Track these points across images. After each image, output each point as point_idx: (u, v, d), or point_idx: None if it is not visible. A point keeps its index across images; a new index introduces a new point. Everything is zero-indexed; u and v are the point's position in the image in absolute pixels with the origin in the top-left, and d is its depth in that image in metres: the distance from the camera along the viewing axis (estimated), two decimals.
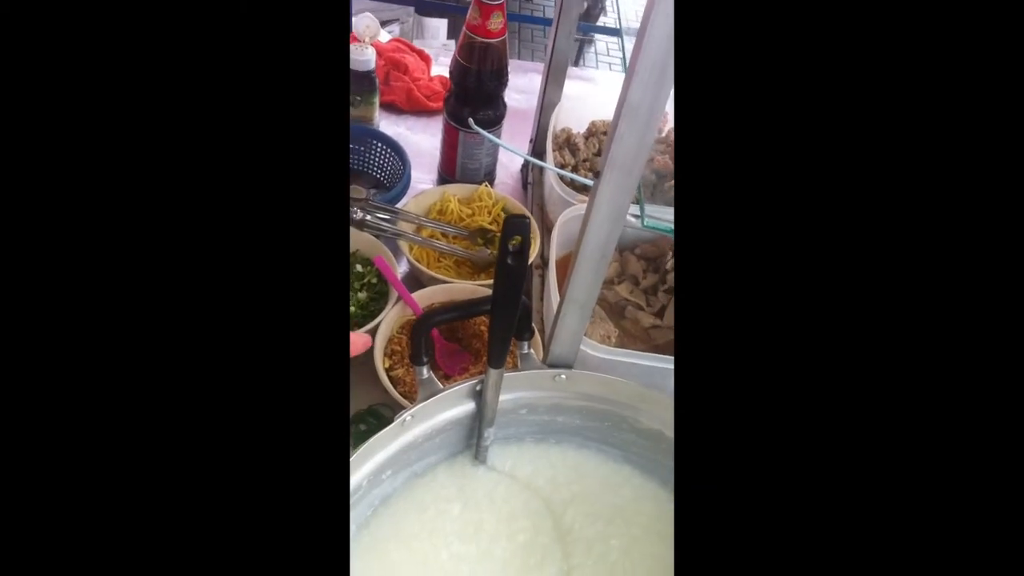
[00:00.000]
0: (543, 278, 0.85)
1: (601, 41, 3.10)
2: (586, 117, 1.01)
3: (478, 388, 0.54)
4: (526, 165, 1.04)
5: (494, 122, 0.90)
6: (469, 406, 0.55)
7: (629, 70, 0.39)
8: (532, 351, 0.57)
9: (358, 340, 0.58)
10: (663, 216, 0.56)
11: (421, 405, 0.52)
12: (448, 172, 0.96)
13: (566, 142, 0.98)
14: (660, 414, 0.56)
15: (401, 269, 0.85)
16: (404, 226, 0.85)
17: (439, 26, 2.41)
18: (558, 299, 0.53)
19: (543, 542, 0.54)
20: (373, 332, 0.72)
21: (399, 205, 0.88)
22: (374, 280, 0.79)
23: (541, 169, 0.97)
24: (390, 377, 0.70)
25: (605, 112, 1.01)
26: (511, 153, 0.99)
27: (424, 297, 0.77)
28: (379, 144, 0.96)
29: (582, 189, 0.88)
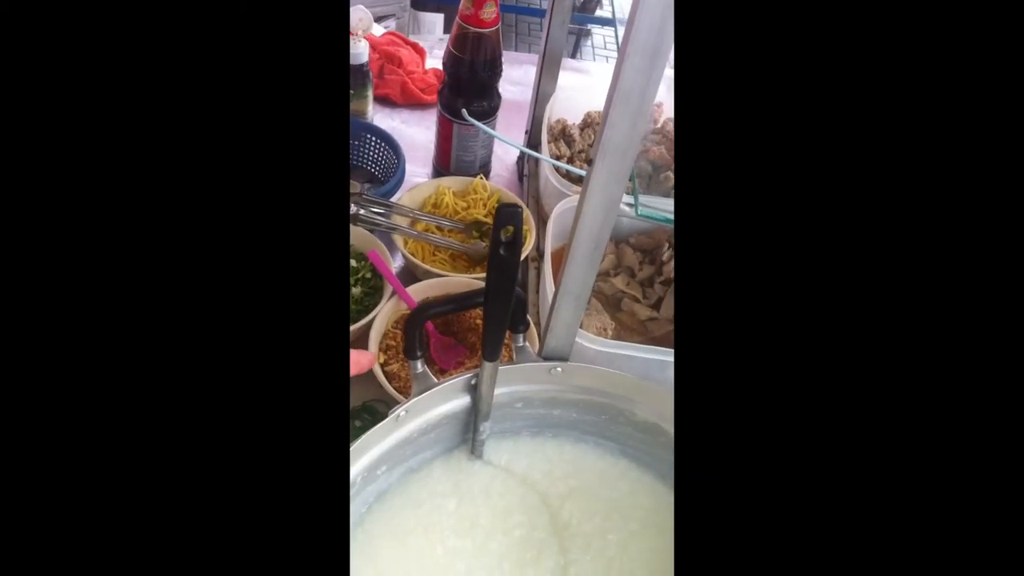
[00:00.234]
0: (539, 270, 0.84)
1: (598, 34, 3.09)
2: (581, 108, 1.00)
3: (473, 382, 0.53)
4: (522, 157, 1.03)
5: (488, 113, 0.89)
6: (464, 400, 0.54)
7: (620, 55, 0.38)
8: (527, 344, 0.56)
9: (363, 359, 0.57)
10: (657, 205, 0.56)
11: (416, 400, 0.51)
12: (443, 165, 0.96)
13: (561, 133, 0.97)
14: (657, 407, 0.55)
15: (396, 263, 0.84)
16: (399, 220, 0.84)
17: (435, 21, 2.40)
18: (553, 291, 0.52)
19: (540, 537, 0.54)
20: (367, 327, 0.72)
21: (393, 199, 0.87)
22: (368, 275, 0.79)
23: (537, 161, 0.96)
24: (385, 373, 0.69)
25: (600, 103, 1.00)
26: (506, 145, 0.98)
27: (419, 291, 0.76)
28: (373, 138, 0.95)
29: (578, 180, 0.87)
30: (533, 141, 1.00)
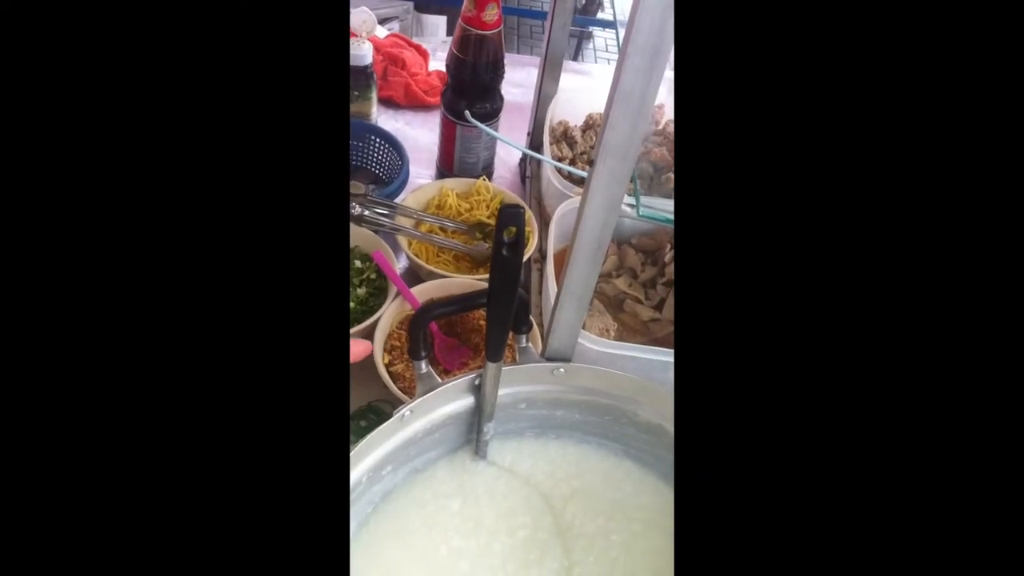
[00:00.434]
0: (541, 271, 0.84)
1: (600, 37, 3.09)
2: (583, 110, 1.00)
3: (477, 382, 0.53)
4: (524, 159, 1.04)
5: (491, 115, 0.90)
6: (468, 400, 0.55)
7: (620, 56, 0.38)
8: (530, 344, 0.57)
9: (358, 347, 0.57)
10: (659, 207, 0.56)
11: (420, 400, 0.52)
12: (446, 166, 0.96)
13: (563, 135, 0.97)
14: (660, 408, 0.55)
15: (400, 264, 0.84)
16: (403, 221, 0.84)
17: (438, 23, 2.41)
18: (556, 292, 0.52)
19: (543, 538, 0.54)
20: (372, 328, 0.72)
21: (397, 200, 0.87)
22: (373, 276, 0.79)
23: (539, 162, 0.97)
24: (390, 373, 0.70)
25: (602, 105, 1.00)
26: (509, 147, 0.98)
27: (423, 292, 0.77)
28: (377, 139, 0.95)
29: (580, 182, 0.87)
30: (535, 143, 1.01)
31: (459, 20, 0.83)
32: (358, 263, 0.79)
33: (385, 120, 1.10)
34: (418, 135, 1.10)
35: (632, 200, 0.58)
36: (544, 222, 0.91)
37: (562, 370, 0.56)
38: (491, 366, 0.51)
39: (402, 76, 1.13)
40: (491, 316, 0.49)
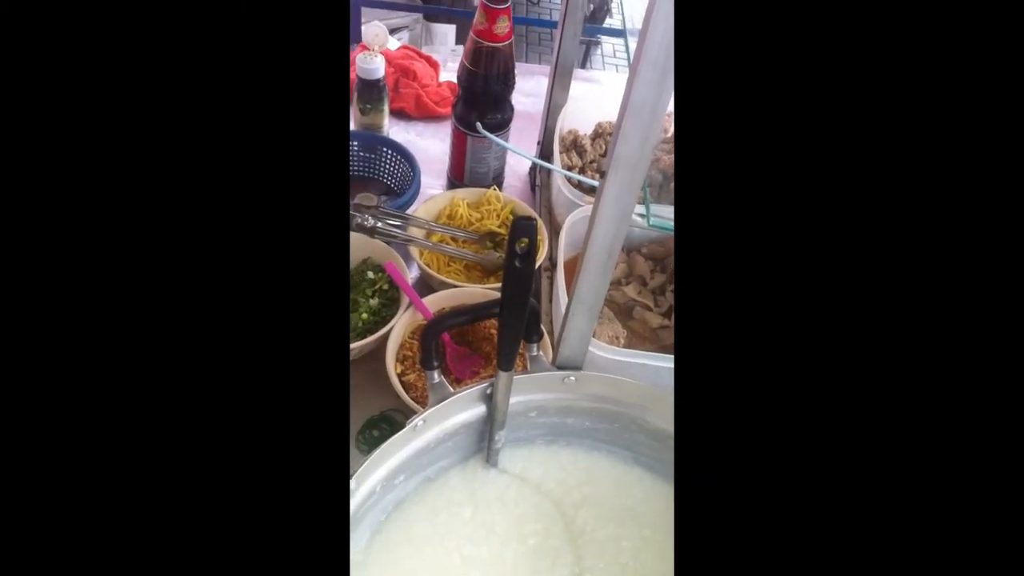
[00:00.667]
0: (552, 280, 0.85)
1: (608, 43, 3.10)
2: (592, 118, 1.01)
3: (488, 391, 0.54)
4: (534, 167, 1.04)
5: (502, 126, 0.91)
6: (480, 409, 0.55)
7: (632, 69, 0.39)
8: (541, 353, 0.57)
9: None
10: (669, 216, 0.56)
11: (432, 409, 0.52)
12: (457, 176, 0.97)
13: (573, 144, 0.98)
14: (669, 415, 0.56)
15: (412, 274, 0.85)
16: (414, 231, 0.85)
17: (447, 31, 2.43)
18: (566, 301, 0.53)
19: (554, 544, 0.54)
20: (385, 338, 0.73)
21: (409, 211, 0.88)
22: (385, 286, 0.80)
23: (549, 171, 0.97)
24: (402, 382, 0.70)
25: (611, 113, 1.01)
26: (519, 155, 0.99)
27: (435, 302, 0.77)
28: (389, 151, 0.96)
29: (589, 191, 0.88)
30: (545, 152, 1.01)
31: (470, 32, 0.84)
32: (371, 274, 0.80)
33: (396, 131, 1.11)
34: (429, 145, 1.11)
35: (642, 210, 0.59)
36: (554, 230, 0.91)
37: (573, 378, 0.56)
38: (503, 375, 0.52)
39: (413, 87, 1.14)
40: (503, 326, 0.49)
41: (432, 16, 2.42)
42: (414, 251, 0.83)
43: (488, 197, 0.92)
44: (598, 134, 0.99)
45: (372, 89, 0.95)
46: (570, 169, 0.93)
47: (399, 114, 1.15)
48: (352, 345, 0.71)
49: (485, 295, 0.78)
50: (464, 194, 0.92)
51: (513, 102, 0.92)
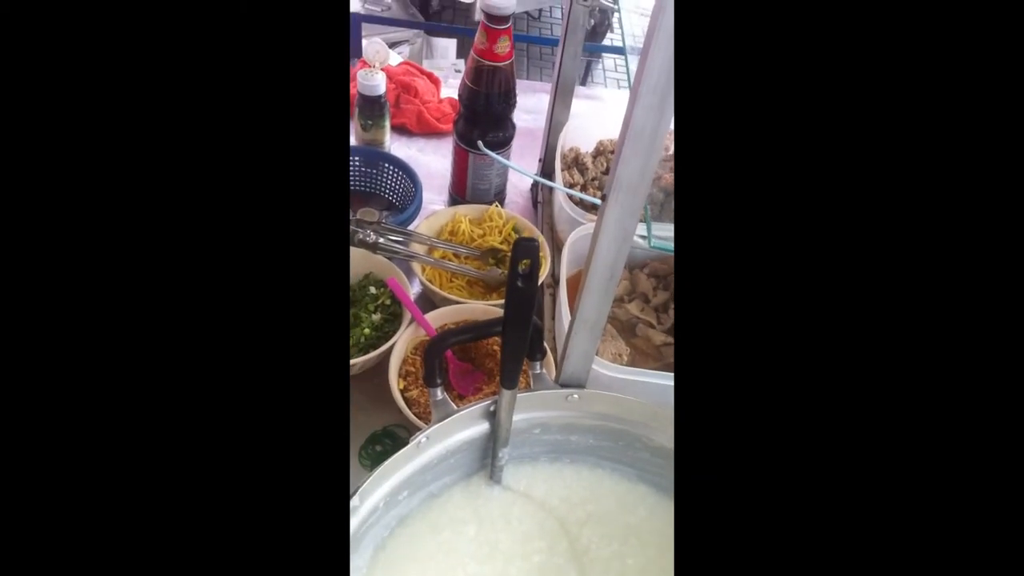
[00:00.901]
0: (554, 297, 0.85)
1: (608, 58, 3.13)
2: (594, 136, 1.02)
3: (492, 409, 0.54)
4: (535, 184, 1.05)
5: (503, 143, 0.91)
6: (483, 426, 0.55)
7: (632, 93, 0.40)
8: (544, 371, 0.57)
9: None
10: (670, 236, 0.57)
11: (436, 426, 0.53)
12: (459, 193, 0.97)
13: (574, 161, 0.99)
14: (673, 432, 0.56)
15: (414, 290, 0.86)
16: (416, 247, 0.86)
17: (448, 45, 2.45)
18: (569, 318, 0.53)
19: (558, 563, 0.55)
20: (387, 354, 0.73)
21: (411, 227, 0.89)
22: (388, 302, 0.80)
23: (550, 188, 0.98)
24: (405, 398, 0.71)
25: (612, 131, 1.02)
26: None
27: (437, 318, 0.78)
28: (391, 167, 0.97)
29: (591, 208, 0.89)
30: (547, 169, 1.02)
31: (471, 51, 0.85)
32: (373, 289, 0.81)
33: (398, 147, 1.12)
34: (430, 161, 1.11)
35: (644, 230, 0.59)
36: (556, 247, 0.92)
37: (576, 396, 0.56)
38: (506, 393, 0.52)
39: (414, 104, 1.15)
40: (506, 345, 0.50)
41: (433, 31, 2.44)
42: (416, 267, 0.84)
43: (490, 213, 0.92)
44: (599, 152, 1.00)
45: (373, 105, 0.96)
46: (571, 186, 0.94)
47: (400, 130, 1.16)
48: (354, 360, 0.71)
49: (487, 311, 0.79)
50: (466, 210, 0.93)
51: (514, 119, 0.93)
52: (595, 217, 0.86)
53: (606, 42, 2.92)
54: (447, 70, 1.54)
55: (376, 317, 0.78)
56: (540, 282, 0.84)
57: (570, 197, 0.87)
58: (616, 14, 0.79)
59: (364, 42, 1.26)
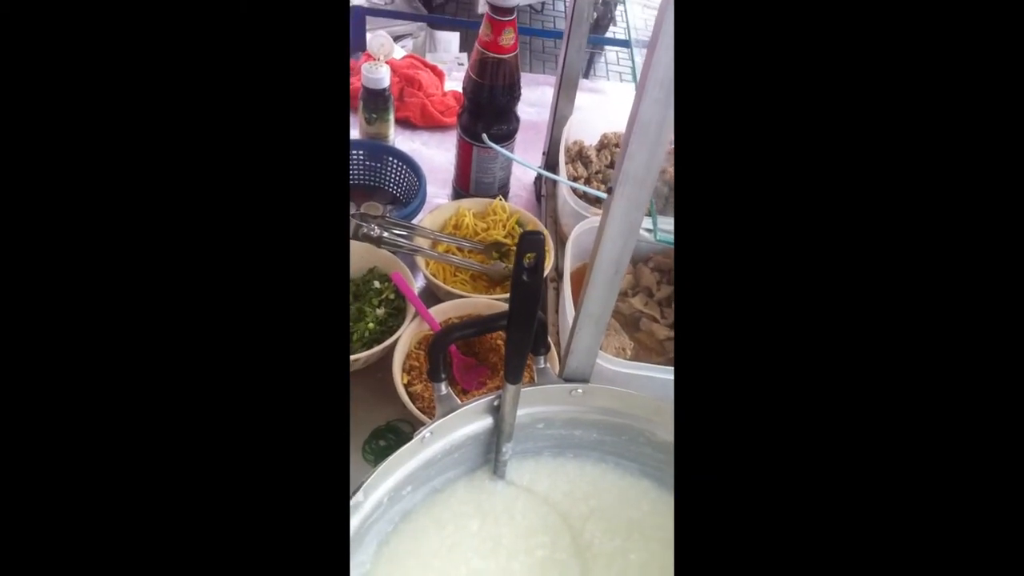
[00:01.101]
0: (558, 291, 0.85)
1: (611, 51, 3.11)
2: (598, 129, 1.01)
3: (495, 403, 0.54)
4: (539, 178, 1.05)
5: (507, 136, 0.91)
6: (487, 421, 0.55)
7: (639, 88, 0.39)
8: (548, 365, 0.57)
9: None
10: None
11: (440, 421, 0.52)
12: (462, 186, 0.97)
13: (578, 154, 0.98)
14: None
15: (418, 284, 0.85)
16: (420, 241, 0.85)
17: (451, 39, 2.44)
18: (573, 313, 0.53)
19: (561, 558, 0.55)
20: (392, 348, 0.73)
21: (415, 221, 0.89)
22: (392, 296, 0.80)
23: (554, 182, 0.98)
24: (409, 393, 0.71)
25: (616, 124, 1.01)
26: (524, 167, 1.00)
27: (441, 312, 0.78)
28: (395, 160, 0.97)
29: (595, 202, 0.88)
30: (551, 162, 1.02)
31: (476, 44, 0.85)
32: (377, 283, 0.80)
33: (402, 141, 1.11)
34: (434, 155, 1.11)
35: (649, 223, 0.59)
36: (560, 241, 0.92)
37: (580, 391, 0.56)
38: (510, 388, 0.52)
39: (418, 97, 1.14)
40: (510, 340, 0.49)
41: (436, 24, 2.43)
42: (420, 261, 0.83)
43: (494, 207, 0.92)
44: (603, 145, 1.00)
45: (377, 99, 0.96)
46: (575, 180, 0.94)
47: (404, 123, 1.15)
48: (358, 355, 0.71)
49: (491, 305, 0.78)
50: (470, 204, 0.93)
51: (518, 112, 0.92)
52: (599, 211, 0.85)
53: (608, 34, 2.90)
54: (450, 63, 1.53)
55: (380, 312, 0.78)
56: (544, 275, 0.84)
57: (574, 190, 0.87)
58: (620, 6, 0.78)
59: (368, 35, 1.25)
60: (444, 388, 0.54)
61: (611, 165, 0.98)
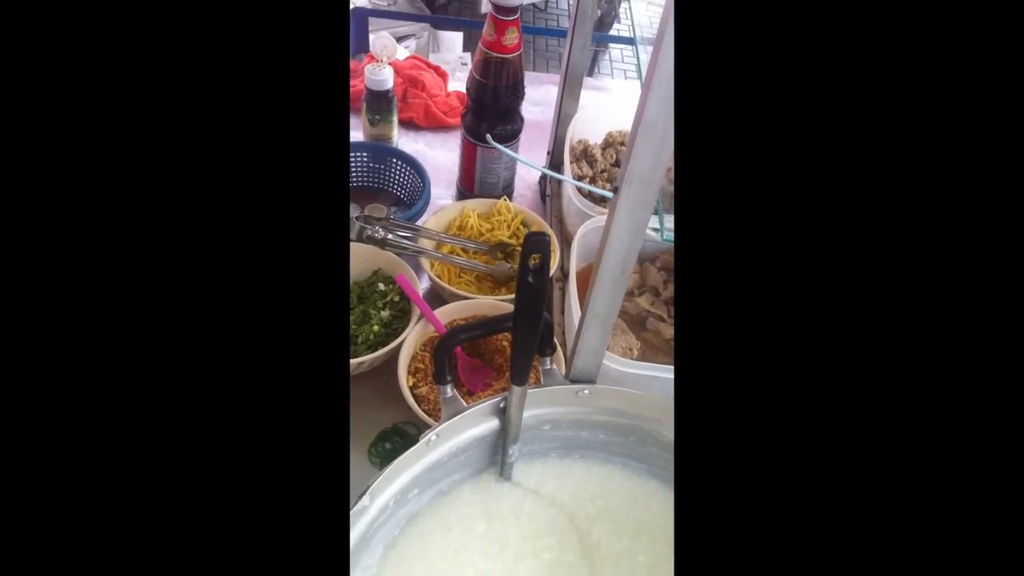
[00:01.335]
0: (564, 291, 0.85)
1: (616, 48, 3.10)
2: (603, 128, 1.01)
3: (502, 405, 0.54)
4: (544, 177, 1.04)
5: (511, 136, 0.91)
6: (493, 423, 0.55)
7: (645, 87, 0.39)
8: (554, 366, 0.57)
9: None
10: None
11: (446, 424, 0.52)
12: (467, 187, 0.97)
13: (583, 154, 0.98)
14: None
15: (423, 286, 0.85)
16: (425, 243, 0.85)
17: (455, 39, 2.44)
18: (579, 313, 0.53)
19: (569, 560, 0.54)
20: (396, 350, 0.73)
21: (419, 222, 0.89)
22: (396, 298, 0.80)
23: (559, 181, 0.97)
24: (414, 395, 0.70)
25: (621, 122, 1.01)
26: (529, 166, 0.99)
27: (446, 313, 0.77)
28: (398, 162, 0.97)
29: (600, 201, 0.88)
30: (555, 161, 1.01)
31: (479, 44, 0.85)
32: (381, 286, 0.80)
33: (406, 142, 1.11)
34: (438, 155, 1.11)
35: (655, 223, 0.59)
36: (565, 240, 0.91)
37: (586, 391, 0.56)
38: (516, 389, 0.52)
39: (422, 98, 1.14)
40: (516, 341, 0.49)
41: (439, 24, 2.43)
42: (425, 262, 0.83)
43: (499, 208, 0.92)
44: (608, 144, 0.99)
45: (381, 100, 0.96)
46: (580, 179, 0.93)
47: (408, 124, 1.15)
48: (363, 358, 0.71)
49: (497, 306, 0.78)
50: (474, 205, 0.92)
51: (522, 112, 0.92)
52: (605, 210, 0.85)
53: (613, 32, 2.89)
54: (454, 63, 1.53)
55: (385, 314, 0.78)
56: (550, 276, 0.84)
57: (579, 190, 0.87)
58: (624, 3, 0.78)
59: (371, 37, 1.25)
60: (450, 390, 0.54)
61: (616, 164, 0.97)
